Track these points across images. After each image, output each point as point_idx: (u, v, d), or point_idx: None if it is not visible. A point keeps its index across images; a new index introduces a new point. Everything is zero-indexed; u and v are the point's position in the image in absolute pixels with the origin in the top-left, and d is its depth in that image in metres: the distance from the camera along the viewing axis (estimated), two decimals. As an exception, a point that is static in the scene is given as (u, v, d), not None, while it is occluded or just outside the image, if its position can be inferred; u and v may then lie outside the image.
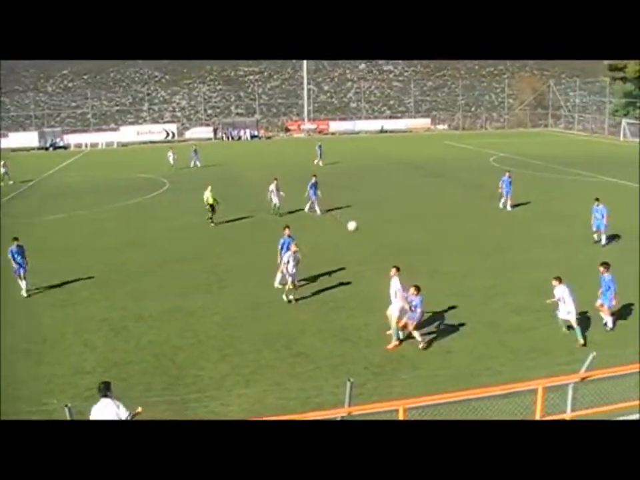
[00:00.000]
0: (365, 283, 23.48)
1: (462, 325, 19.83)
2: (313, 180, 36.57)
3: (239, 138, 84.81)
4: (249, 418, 11.63)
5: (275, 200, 35.86)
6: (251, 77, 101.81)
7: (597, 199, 28.85)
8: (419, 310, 18.12)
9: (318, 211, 36.37)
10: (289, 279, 22.09)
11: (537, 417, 11.49)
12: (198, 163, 57.24)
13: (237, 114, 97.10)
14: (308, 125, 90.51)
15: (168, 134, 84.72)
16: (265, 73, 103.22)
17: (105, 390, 11.75)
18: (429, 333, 18.91)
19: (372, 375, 16.68)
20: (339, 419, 11.28)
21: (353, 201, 39.02)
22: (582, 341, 18.34)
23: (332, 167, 54.41)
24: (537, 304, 20.39)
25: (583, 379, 12.32)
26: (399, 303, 18.56)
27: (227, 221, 34.58)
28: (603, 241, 28.53)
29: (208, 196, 34.30)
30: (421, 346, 18.06)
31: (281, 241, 23.30)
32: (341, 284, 23.94)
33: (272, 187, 35.92)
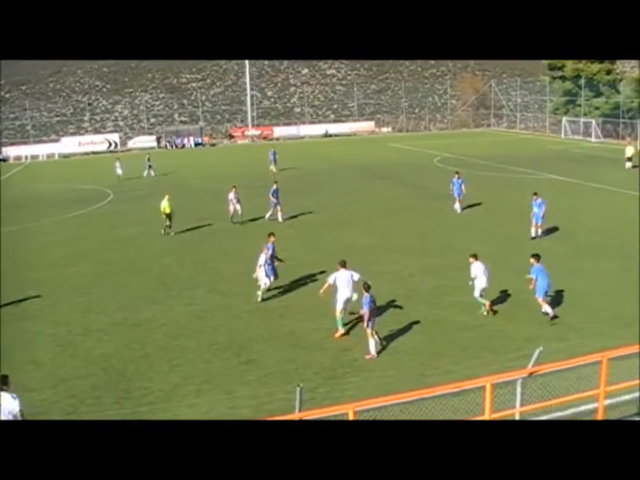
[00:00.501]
0: (314, 287, 23.39)
1: (411, 324, 19.98)
2: (275, 186, 36.08)
3: (183, 146, 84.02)
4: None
5: (234, 208, 35.39)
6: (194, 84, 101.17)
7: (536, 193, 30.24)
8: (365, 309, 18.03)
9: (280, 218, 35.94)
10: (264, 280, 22.45)
11: (487, 414, 11.61)
12: (152, 172, 56.13)
13: (181, 122, 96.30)
14: (252, 131, 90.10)
15: (110, 144, 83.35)
16: (208, 80, 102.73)
17: (1, 384, 12.01)
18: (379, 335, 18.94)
19: (323, 379, 16.68)
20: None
21: (303, 206, 38.94)
22: (485, 313, 20.30)
23: (282, 173, 54.18)
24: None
25: (531, 374, 12.49)
26: (342, 292, 19.52)
27: (179, 232, 34.04)
28: (539, 233, 29.68)
29: (165, 205, 33.56)
30: (368, 357, 17.84)
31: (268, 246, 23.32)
32: (290, 289, 23.92)
33: (231, 195, 35.33)
